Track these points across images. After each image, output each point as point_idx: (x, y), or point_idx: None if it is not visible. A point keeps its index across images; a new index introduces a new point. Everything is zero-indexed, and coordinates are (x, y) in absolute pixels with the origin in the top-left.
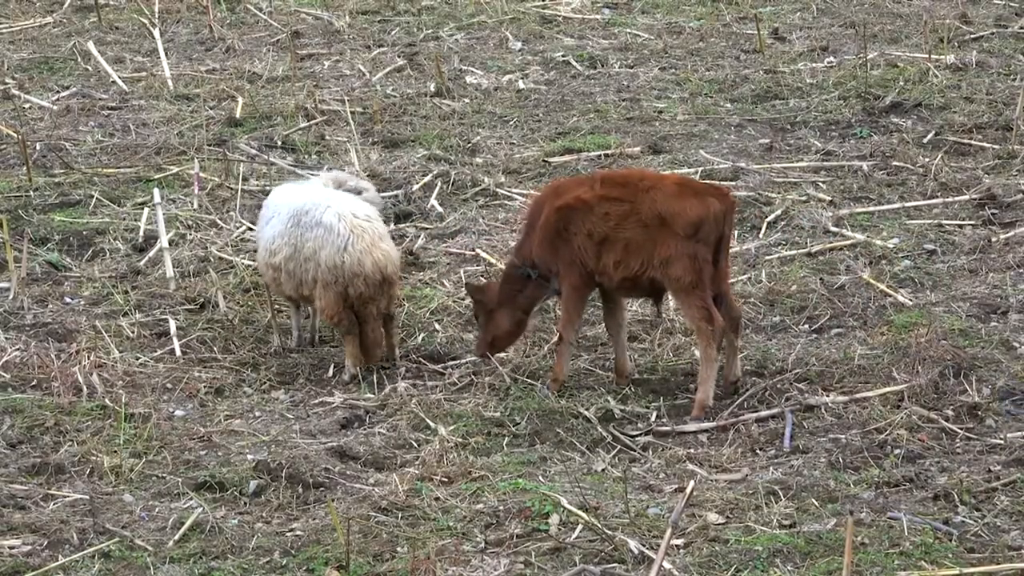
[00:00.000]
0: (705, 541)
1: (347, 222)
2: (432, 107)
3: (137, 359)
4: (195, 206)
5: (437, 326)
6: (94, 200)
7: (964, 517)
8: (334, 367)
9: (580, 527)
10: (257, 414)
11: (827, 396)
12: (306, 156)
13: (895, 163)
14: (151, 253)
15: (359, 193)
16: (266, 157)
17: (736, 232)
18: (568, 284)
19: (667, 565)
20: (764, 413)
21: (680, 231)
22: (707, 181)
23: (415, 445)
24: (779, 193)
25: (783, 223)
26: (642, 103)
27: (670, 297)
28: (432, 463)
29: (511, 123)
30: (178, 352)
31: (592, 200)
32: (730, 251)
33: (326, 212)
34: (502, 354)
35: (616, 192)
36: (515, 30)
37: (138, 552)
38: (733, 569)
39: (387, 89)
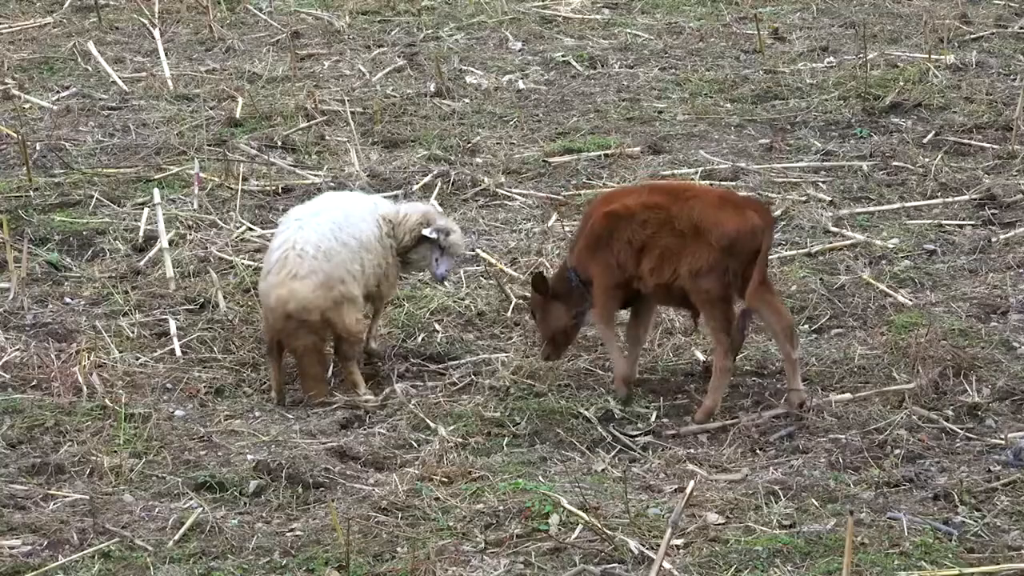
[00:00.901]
0: (705, 541)
1: (283, 251)
2: (432, 107)
3: (137, 359)
4: (195, 206)
5: (437, 326)
6: (94, 200)
7: (964, 517)
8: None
9: (580, 527)
10: (257, 414)
11: (828, 396)
12: (306, 156)
13: (895, 163)
14: (151, 253)
15: (448, 235)
16: (266, 157)
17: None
18: (599, 284)
19: (667, 565)
20: (770, 412)
21: (714, 243)
22: (748, 195)
23: (415, 445)
24: (779, 193)
25: (783, 223)
26: (642, 103)
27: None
28: (432, 463)
29: (511, 123)
30: (178, 352)
31: (636, 207)
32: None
33: (279, 235)
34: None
35: (658, 200)
36: (515, 30)
37: (138, 552)
38: (733, 569)
39: (387, 89)
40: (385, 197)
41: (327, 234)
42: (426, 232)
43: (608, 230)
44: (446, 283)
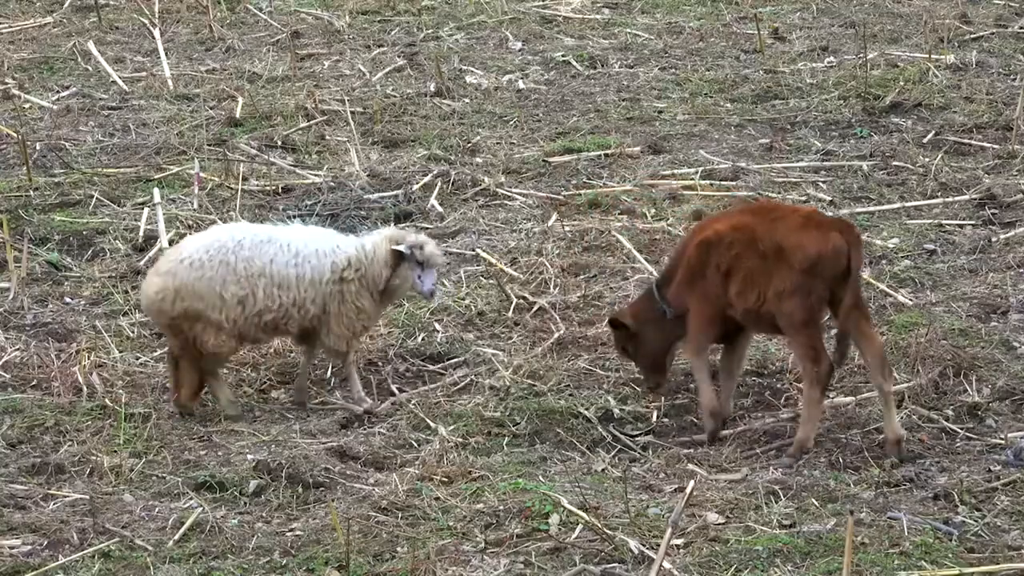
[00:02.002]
0: (705, 541)
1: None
2: (432, 107)
3: (137, 359)
4: (195, 206)
5: (437, 326)
6: (94, 200)
7: (964, 517)
8: (332, 367)
9: (580, 527)
10: (257, 414)
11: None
12: (306, 156)
13: (895, 163)
14: (151, 253)
15: (422, 248)
16: (266, 157)
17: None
18: (696, 313)
19: (667, 565)
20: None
21: (797, 265)
22: (835, 215)
23: (415, 445)
24: (779, 193)
25: None
26: (642, 103)
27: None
28: (432, 463)
29: (511, 123)
30: None
31: (724, 231)
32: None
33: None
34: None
35: (745, 221)
36: (515, 30)
37: (138, 552)
38: (733, 569)
39: (387, 89)
40: (384, 197)
41: (220, 250)
42: (399, 248)
43: (701, 259)
44: (435, 297)
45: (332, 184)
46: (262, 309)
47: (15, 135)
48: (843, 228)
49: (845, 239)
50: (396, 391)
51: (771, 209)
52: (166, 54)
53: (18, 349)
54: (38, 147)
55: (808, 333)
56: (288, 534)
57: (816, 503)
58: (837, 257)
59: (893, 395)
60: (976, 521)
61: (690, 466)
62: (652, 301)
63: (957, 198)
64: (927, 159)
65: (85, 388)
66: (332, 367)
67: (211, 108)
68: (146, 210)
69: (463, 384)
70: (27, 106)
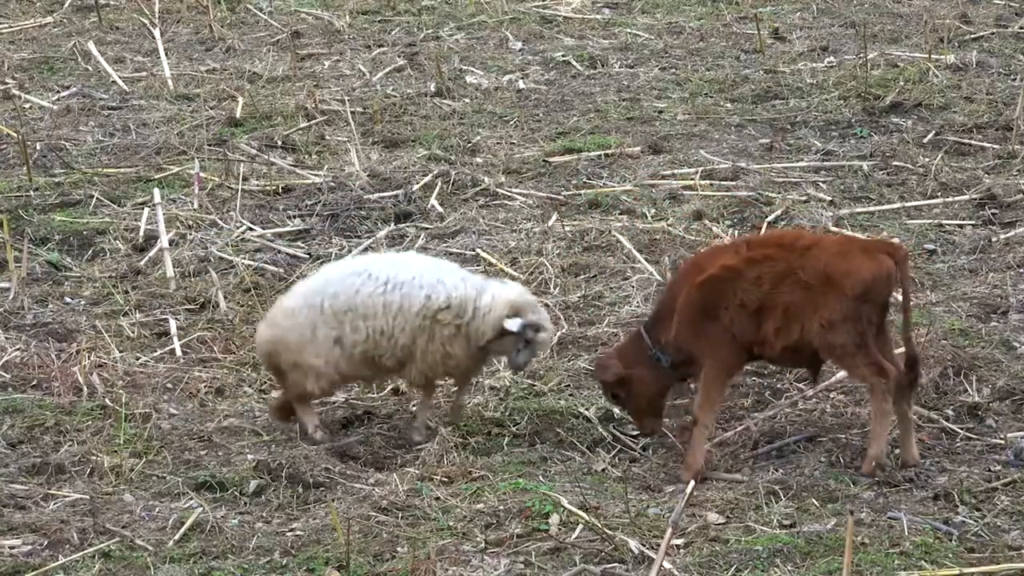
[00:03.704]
0: (705, 541)
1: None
2: (432, 107)
3: (137, 359)
4: (195, 206)
5: None
6: (94, 200)
7: (964, 517)
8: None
9: (580, 527)
10: (257, 414)
11: (829, 395)
12: (306, 156)
13: (895, 163)
14: (151, 253)
15: (537, 331)
16: (266, 157)
17: (734, 231)
18: (716, 363)
19: (667, 565)
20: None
21: (849, 292)
22: (874, 237)
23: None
24: (779, 193)
25: (783, 223)
26: (642, 103)
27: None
28: (432, 463)
29: (511, 123)
30: (178, 352)
31: (741, 266)
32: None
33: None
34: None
35: (768, 252)
36: (515, 30)
37: (138, 552)
38: (733, 569)
39: (387, 89)
40: (385, 197)
41: (317, 293)
42: (510, 327)
43: (710, 298)
44: (520, 373)
45: (332, 184)
46: (356, 342)
47: (15, 135)
48: (889, 250)
49: (895, 261)
50: (396, 391)
51: (795, 237)
52: (166, 54)
53: (18, 349)
54: (38, 147)
55: (863, 353)
56: (288, 534)
57: (816, 503)
58: (889, 280)
59: (914, 420)
60: (976, 521)
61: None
62: (642, 345)
63: (957, 198)
64: (927, 159)
65: (85, 388)
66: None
67: (211, 108)
68: (146, 210)
69: None
70: (27, 106)
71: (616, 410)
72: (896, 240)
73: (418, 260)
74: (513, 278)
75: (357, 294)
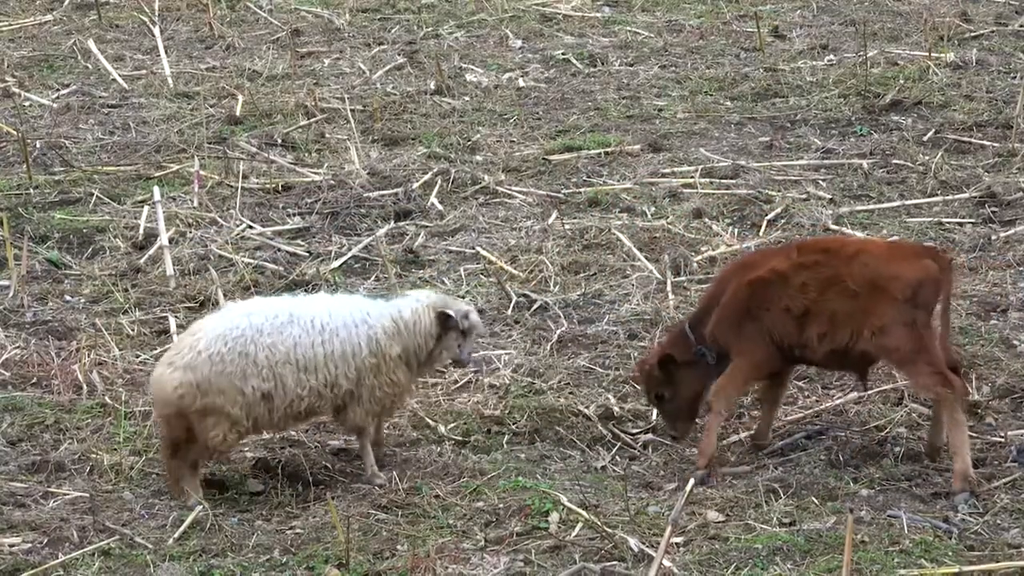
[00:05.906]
0: (705, 539)
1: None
2: (432, 105)
3: (137, 357)
4: (195, 204)
5: None
6: (94, 198)
7: (964, 515)
8: None
9: (580, 525)
10: None
11: (828, 394)
12: (306, 154)
13: (895, 161)
14: (151, 251)
15: (467, 316)
16: (266, 155)
17: (734, 229)
18: (746, 361)
19: (667, 563)
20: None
21: (898, 295)
22: (918, 242)
23: (415, 444)
24: (779, 191)
25: (783, 221)
26: (642, 101)
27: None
28: (432, 461)
29: (511, 121)
30: None
31: (788, 271)
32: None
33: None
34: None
35: (815, 259)
36: (515, 28)
37: (138, 550)
38: (733, 567)
39: (387, 87)
40: (385, 195)
41: (239, 337)
42: (449, 312)
43: (753, 299)
44: (471, 364)
45: (332, 182)
46: (293, 399)
47: (15, 133)
48: (933, 255)
49: (939, 266)
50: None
51: (841, 244)
52: (166, 52)
53: (18, 347)
54: (38, 145)
55: (925, 360)
56: (288, 532)
57: (816, 501)
58: (936, 285)
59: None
60: (976, 519)
61: (690, 464)
62: (687, 342)
63: (957, 196)
64: (927, 157)
65: (85, 386)
66: None
67: (211, 106)
68: (146, 208)
69: (463, 382)
70: (27, 104)
71: (616, 408)
72: (940, 247)
73: (330, 301)
74: (513, 276)
75: (296, 346)
